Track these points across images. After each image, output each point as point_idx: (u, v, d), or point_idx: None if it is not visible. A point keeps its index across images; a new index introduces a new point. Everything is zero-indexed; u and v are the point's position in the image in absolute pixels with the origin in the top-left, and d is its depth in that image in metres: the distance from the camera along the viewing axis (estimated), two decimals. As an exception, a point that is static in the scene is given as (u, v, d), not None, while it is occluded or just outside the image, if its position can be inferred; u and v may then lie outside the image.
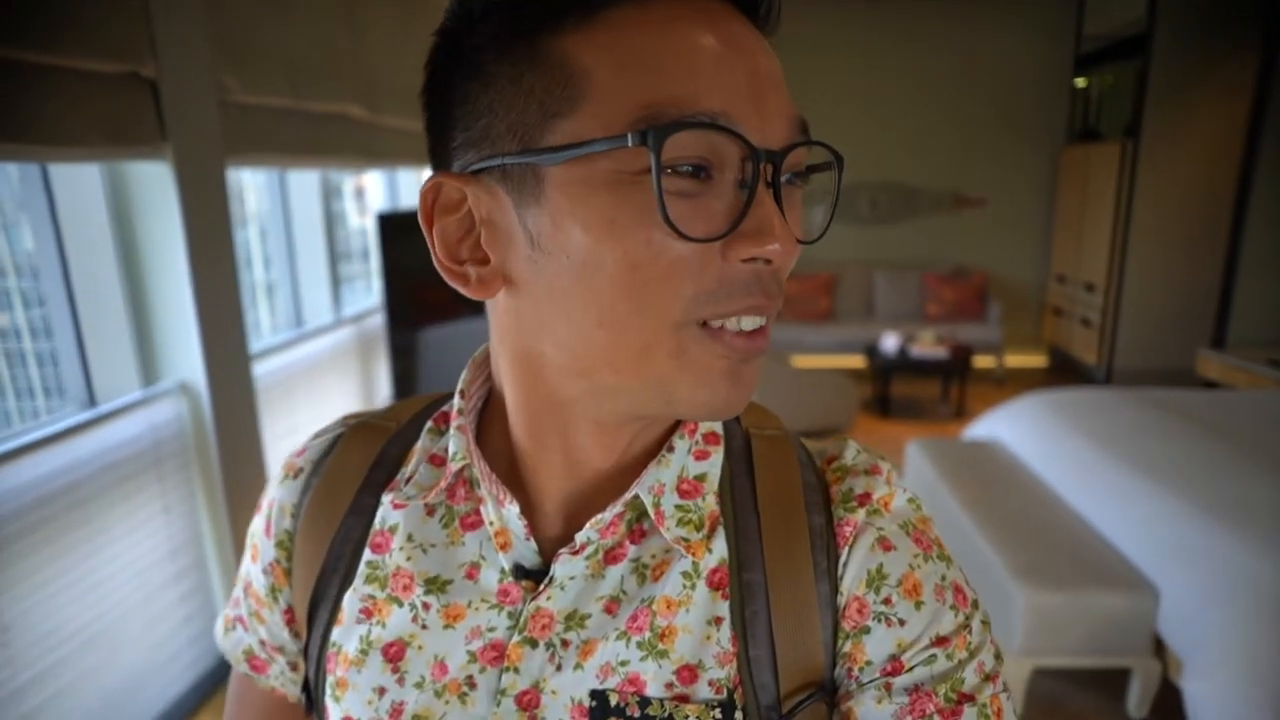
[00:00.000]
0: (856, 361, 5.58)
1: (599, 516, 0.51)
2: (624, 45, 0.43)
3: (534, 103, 0.44)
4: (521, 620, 0.51)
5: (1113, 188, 5.24)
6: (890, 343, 4.87)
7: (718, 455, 0.55)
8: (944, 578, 0.51)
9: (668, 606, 0.50)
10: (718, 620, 0.50)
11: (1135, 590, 2.06)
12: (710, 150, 0.42)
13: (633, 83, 0.42)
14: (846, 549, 0.51)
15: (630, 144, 0.41)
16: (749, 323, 0.46)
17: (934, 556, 0.52)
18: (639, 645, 0.50)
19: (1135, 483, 2.38)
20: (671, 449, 0.53)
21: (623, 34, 0.43)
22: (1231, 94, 4.93)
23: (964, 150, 6.07)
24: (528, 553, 0.53)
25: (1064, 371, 6.01)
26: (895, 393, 5.24)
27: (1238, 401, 3.19)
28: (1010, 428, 3.14)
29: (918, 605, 0.50)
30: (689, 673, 0.50)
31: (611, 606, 0.51)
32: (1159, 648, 2.09)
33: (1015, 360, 6.06)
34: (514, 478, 0.55)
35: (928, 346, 4.79)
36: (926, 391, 5.43)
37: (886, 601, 0.50)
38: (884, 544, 0.51)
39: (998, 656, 0.51)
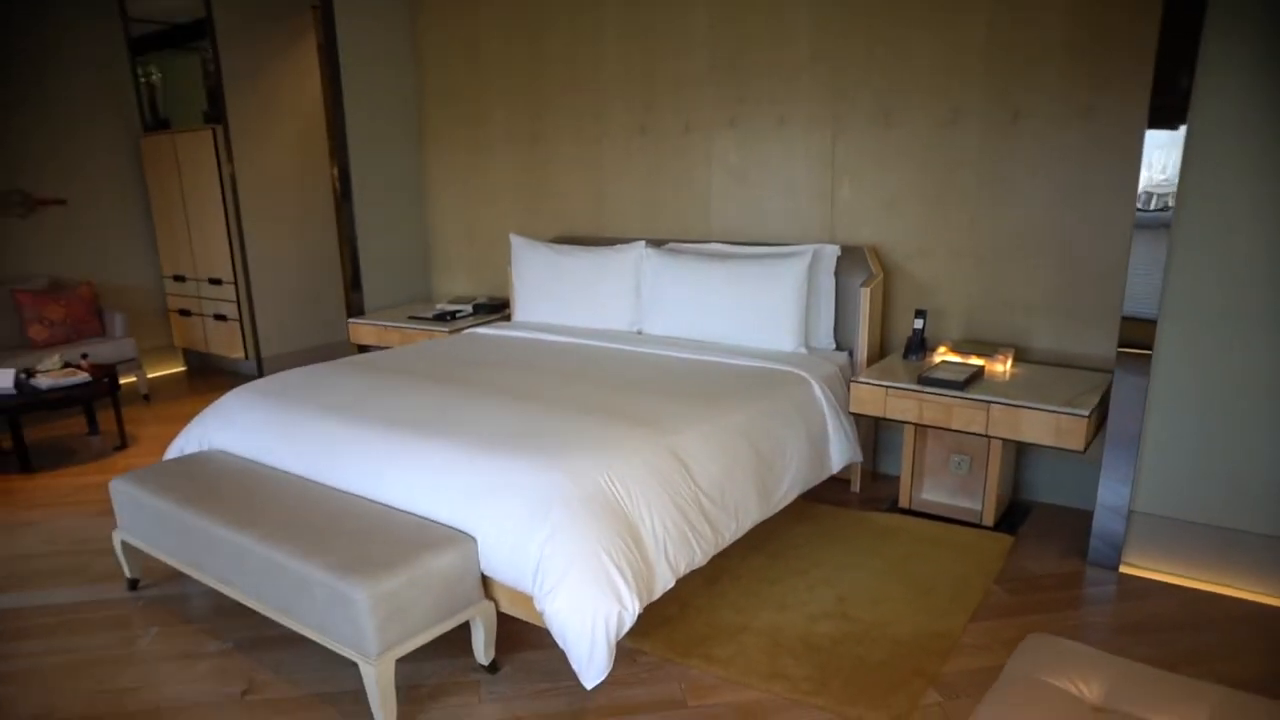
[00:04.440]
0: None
1: None
2: None
3: None
4: None
5: (213, 179, 5.01)
6: (4, 380, 3.70)
7: None
8: None
9: None
10: None
11: (456, 542, 2.01)
12: None
13: None
14: None
15: None
16: None
17: None
18: None
19: (395, 439, 2.32)
20: None
21: None
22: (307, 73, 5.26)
23: (31, 142, 4.93)
24: None
25: (209, 373, 5.64)
26: (32, 438, 4.14)
27: (424, 350, 3.51)
28: (227, 431, 2.73)
29: None
30: None
31: None
32: (486, 588, 2.10)
33: (151, 371, 5.46)
34: None
35: (59, 375, 3.83)
36: (68, 429, 4.43)
37: None
38: None
39: None
